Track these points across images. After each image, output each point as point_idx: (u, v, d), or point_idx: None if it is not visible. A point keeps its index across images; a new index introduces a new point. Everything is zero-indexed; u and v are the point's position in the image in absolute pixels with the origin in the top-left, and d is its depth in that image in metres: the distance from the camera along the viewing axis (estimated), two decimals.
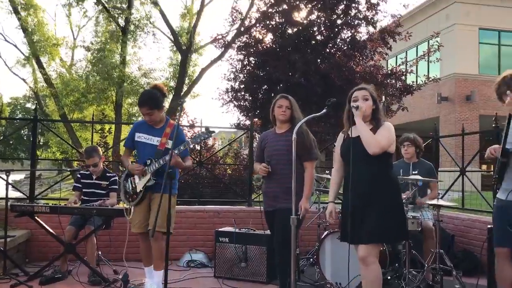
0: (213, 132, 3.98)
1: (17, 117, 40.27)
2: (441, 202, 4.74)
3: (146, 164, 4.11)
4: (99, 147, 5.46)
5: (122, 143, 12.74)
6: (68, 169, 6.02)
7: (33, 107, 36.24)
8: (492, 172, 3.54)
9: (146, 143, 4.21)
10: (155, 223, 3.56)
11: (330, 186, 3.70)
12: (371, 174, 3.32)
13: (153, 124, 4.23)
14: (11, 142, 45.07)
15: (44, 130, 21.95)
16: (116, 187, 5.13)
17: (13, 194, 6.20)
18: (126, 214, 4.38)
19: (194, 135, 4.18)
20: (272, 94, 13.36)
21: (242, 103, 15.36)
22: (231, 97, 15.44)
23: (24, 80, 25.33)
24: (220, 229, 5.44)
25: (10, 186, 4.75)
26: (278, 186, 3.88)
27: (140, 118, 19.68)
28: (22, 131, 43.40)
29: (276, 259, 3.91)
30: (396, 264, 4.77)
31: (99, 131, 10.24)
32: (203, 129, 4.00)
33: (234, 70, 15.40)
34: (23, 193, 6.46)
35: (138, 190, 4.17)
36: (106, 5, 17.16)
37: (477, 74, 19.43)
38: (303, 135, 3.85)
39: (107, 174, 5.19)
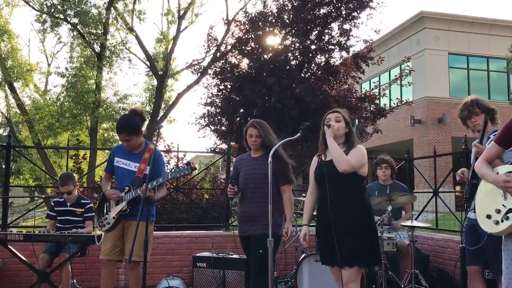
0: (195, 168, 3.99)
1: None
2: (415, 223, 4.83)
3: (124, 191, 4.03)
4: (74, 174, 5.39)
5: (97, 169, 12.67)
6: (43, 196, 5.89)
7: (5, 133, 35.45)
8: (463, 193, 3.66)
9: (124, 168, 4.12)
10: (131, 251, 3.47)
11: (304, 209, 3.71)
12: (345, 196, 3.34)
13: (132, 149, 4.13)
14: None
15: (16, 156, 21.53)
16: (92, 214, 5.06)
17: None
18: (97, 240, 4.27)
19: (174, 168, 4.09)
20: (249, 118, 13.46)
21: (218, 128, 15.43)
22: (207, 121, 15.49)
23: None
24: (197, 254, 5.41)
25: None
26: (254, 210, 3.85)
27: (115, 144, 19.48)
28: None
29: (252, 285, 3.83)
30: (373, 286, 4.80)
31: (73, 157, 10.11)
32: (185, 161, 4.06)
33: (210, 95, 15.52)
34: None
35: (111, 216, 4.07)
36: (81, 31, 17.15)
37: (448, 97, 19.97)
38: (280, 160, 3.86)
39: (82, 201, 5.11)
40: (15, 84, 18.48)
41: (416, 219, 5.13)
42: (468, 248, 3.51)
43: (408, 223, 4.80)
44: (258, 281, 3.69)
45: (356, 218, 3.32)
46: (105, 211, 4.17)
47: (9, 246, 4.65)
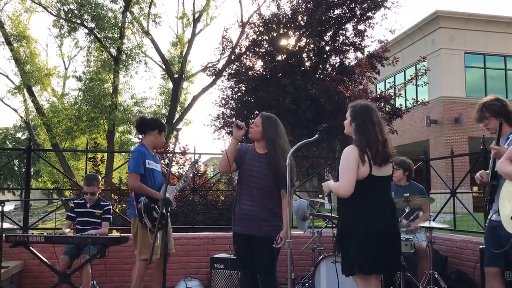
0: (197, 160, 4.20)
1: (10, 147, 40.04)
2: (433, 224, 4.80)
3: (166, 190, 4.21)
4: (99, 176, 5.49)
5: (115, 172, 12.80)
6: (63, 199, 6.02)
7: (24, 137, 35.93)
8: (482, 194, 3.63)
9: (155, 170, 4.34)
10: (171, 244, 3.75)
11: None
12: (343, 202, 3.24)
13: (151, 151, 4.42)
14: (0, 172, 44.65)
15: (35, 159, 21.86)
16: (110, 216, 5.14)
17: (5, 225, 6.14)
18: (119, 242, 4.42)
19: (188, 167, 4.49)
20: None
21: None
22: (222, 123, 15.57)
23: (15, 110, 25.40)
24: (215, 256, 5.44)
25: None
26: (255, 209, 3.61)
27: (131, 147, 19.59)
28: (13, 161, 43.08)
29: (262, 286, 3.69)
30: (391, 287, 4.78)
31: (91, 160, 10.24)
32: (193, 161, 4.54)
33: (224, 96, 15.59)
34: (17, 224, 6.42)
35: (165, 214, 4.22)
36: (98, 35, 17.38)
37: (464, 97, 19.77)
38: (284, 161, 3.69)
39: (101, 203, 5.19)
40: (33, 88, 18.80)
41: (433, 220, 5.09)
42: (487, 249, 3.48)
43: (426, 224, 4.77)
44: (267, 282, 3.62)
45: (342, 225, 3.29)
46: (160, 213, 4.18)
47: (30, 247, 4.74)
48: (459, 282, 5.46)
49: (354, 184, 3.11)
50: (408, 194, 4.88)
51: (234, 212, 3.77)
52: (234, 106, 15.29)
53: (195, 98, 19.21)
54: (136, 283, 4.29)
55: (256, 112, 14.75)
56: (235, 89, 15.49)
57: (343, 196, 3.15)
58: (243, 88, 15.28)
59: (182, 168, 10.49)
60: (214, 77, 17.18)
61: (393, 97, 15.07)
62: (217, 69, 17.02)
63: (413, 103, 15.24)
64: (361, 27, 14.63)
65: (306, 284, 5.54)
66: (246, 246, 3.64)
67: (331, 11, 14.45)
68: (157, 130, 4.37)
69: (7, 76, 22.35)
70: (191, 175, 4.61)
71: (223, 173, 4.83)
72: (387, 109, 14.57)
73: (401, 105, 15.53)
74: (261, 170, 3.63)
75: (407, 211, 4.80)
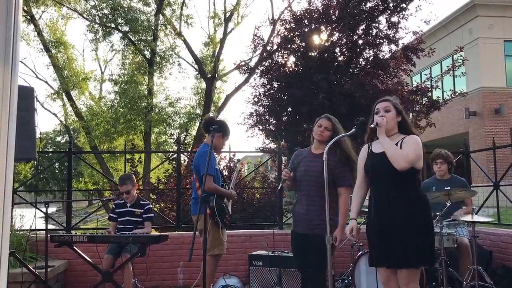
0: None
1: (52, 151, 41.42)
2: (476, 218, 4.66)
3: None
4: (133, 175, 5.59)
5: (152, 172, 13.03)
6: (103, 199, 6.20)
7: (63, 140, 37.07)
8: None
9: (218, 169, 4.57)
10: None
11: (352, 202, 3.52)
12: (398, 192, 3.13)
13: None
14: (42, 175, 46.12)
15: (75, 162, 22.52)
16: (151, 215, 5.22)
17: (49, 226, 6.33)
18: (159, 240, 4.59)
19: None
20: (297, 117, 13.44)
21: (266, 127, 15.46)
22: (255, 121, 15.56)
23: (55, 114, 26.23)
24: (253, 253, 5.45)
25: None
26: (312, 209, 3.67)
27: (168, 147, 19.71)
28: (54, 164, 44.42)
29: (312, 284, 3.74)
30: (433, 283, 4.69)
31: (129, 161, 10.45)
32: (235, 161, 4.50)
33: (257, 94, 15.58)
34: (60, 224, 6.63)
35: (231, 213, 4.53)
36: (132, 38, 17.69)
37: (504, 87, 19.12)
38: (343, 158, 3.70)
39: (141, 202, 5.28)
40: (71, 93, 19.34)
41: (476, 214, 4.94)
42: None
43: (469, 218, 4.63)
44: (318, 280, 3.64)
45: (417, 217, 3.10)
46: (227, 211, 4.51)
47: (74, 247, 4.87)
48: (506, 278, 5.30)
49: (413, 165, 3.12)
50: (449, 188, 4.76)
51: (293, 211, 3.90)
52: (267, 103, 15.26)
53: (228, 97, 19.30)
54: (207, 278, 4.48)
55: (289, 109, 14.69)
56: (268, 86, 15.44)
57: (403, 165, 3.07)
58: (276, 85, 15.23)
59: (218, 166, 10.58)
60: (246, 75, 17.22)
61: (430, 89, 14.72)
62: (249, 67, 17.04)
63: (451, 94, 14.85)
64: (394, 19, 14.32)
65: (346, 281, 5.50)
66: (303, 244, 3.74)
67: (363, 4, 14.21)
68: (221, 133, 4.58)
69: (46, 82, 23.03)
70: (239, 170, 4.99)
71: None
72: (424, 102, 14.25)
73: (438, 97, 15.14)
74: (318, 169, 3.62)
75: (448, 205, 4.66)
